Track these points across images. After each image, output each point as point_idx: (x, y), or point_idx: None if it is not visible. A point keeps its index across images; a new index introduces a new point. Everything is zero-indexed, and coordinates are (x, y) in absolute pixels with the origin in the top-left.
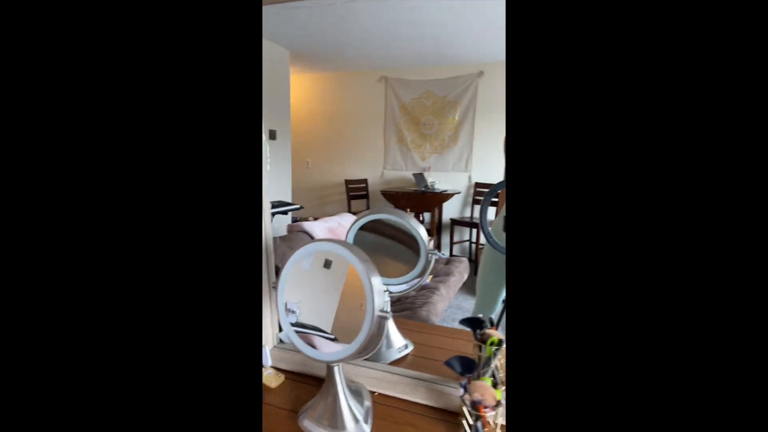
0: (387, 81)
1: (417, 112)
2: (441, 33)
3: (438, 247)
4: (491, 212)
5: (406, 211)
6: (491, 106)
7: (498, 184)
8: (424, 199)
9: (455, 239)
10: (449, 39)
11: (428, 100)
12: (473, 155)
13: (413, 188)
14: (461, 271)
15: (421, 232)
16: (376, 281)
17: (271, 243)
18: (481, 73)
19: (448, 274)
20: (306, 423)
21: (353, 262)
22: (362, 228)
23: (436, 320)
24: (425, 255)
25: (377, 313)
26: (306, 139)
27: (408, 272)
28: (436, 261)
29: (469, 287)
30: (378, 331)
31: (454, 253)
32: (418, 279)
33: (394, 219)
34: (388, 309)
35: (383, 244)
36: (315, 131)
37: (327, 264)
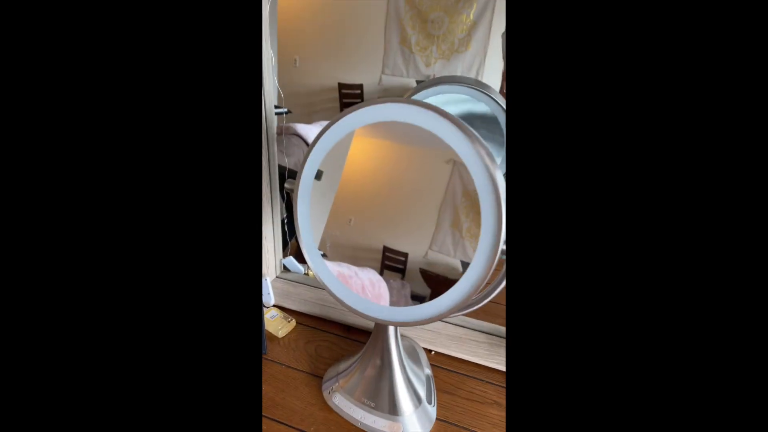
0: None
1: (426, 5)
2: None
3: None
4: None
5: None
6: None
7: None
8: None
9: None
10: None
11: None
12: (485, 64)
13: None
14: None
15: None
16: (502, 181)
17: (273, 131)
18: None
19: None
20: (338, 399)
21: (458, 143)
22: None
23: None
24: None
25: (502, 246)
26: (293, 31)
27: None
28: None
29: None
30: (496, 279)
31: None
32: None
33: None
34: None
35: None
36: (305, 22)
37: (318, 175)
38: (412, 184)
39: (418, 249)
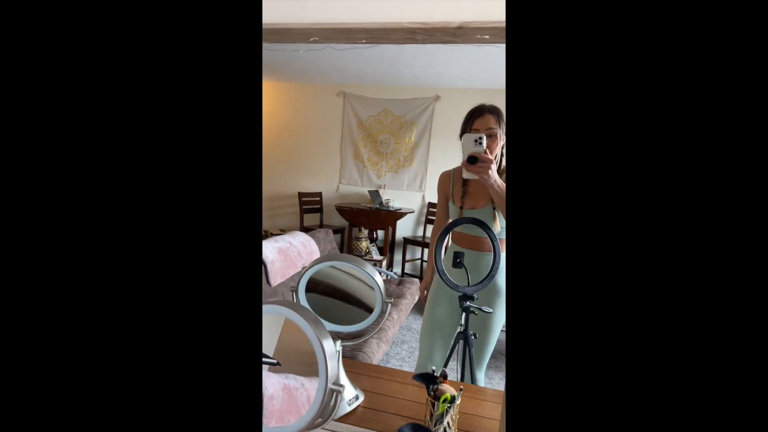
0: (345, 96)
1: (375, 129)
2: (399, 55)
3: (390, 265)
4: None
5: (360, 229)
6: (446, 129)
7: (452, 222)
8: (378, 217)
9: (407, 257)
10: (408, 61)
11: (386, 118)
12: (428, 176)
13: (368, 205)
14: (413, 292)
15: (378, 279)
16: (329, 345)
17: None
18: (437, 98)
19: (399, 296)
20: None
21: (302, 325)
22: (314, 274)
23: (386, 347)
24: (381, 303)
25: (330, 385)
26: None
27: (363, 319)
28: (389, 281)
29: (420, 307)
30: (330, 406)
31: (406, 270)
32: (374, 326)
33: (350, 266)
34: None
35: (336, 289)
36: (268, 139)
37: None
38: (312, 124)
39: (329, 186)
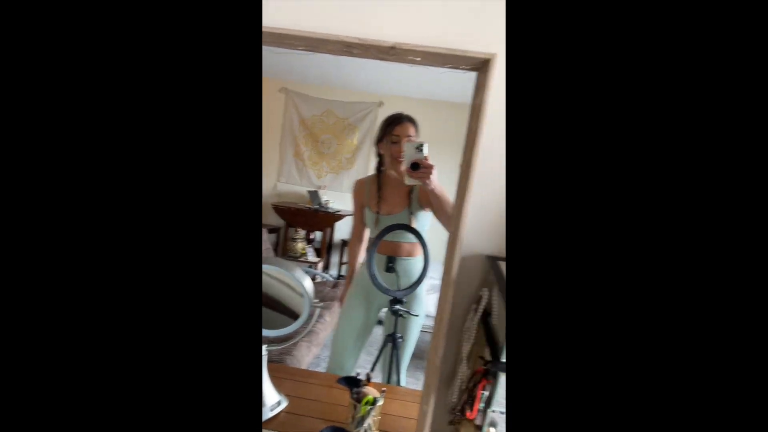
0: (288, 93)
1: (317, 129)
2: (345, 58)
3: (327, 267)
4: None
5: (296, 230)
6: None
7: (386, 228)
8: (316, 218)
9: (344, 260)
10: (353, 65)
11: (329, 119)
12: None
13: (307, 205)
14: None
15: (306, 284)
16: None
17: None
18: (381, 103)
19: (333, 298)
20: None
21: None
22: None
23: (317, 350)
24: (309, 306)
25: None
26: None
27: (291, 323)
28: (324, 284)
29: None
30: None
31: (342, 273)
32: (303, 329)
33: (277, 270)
34: None
35: (265, 294)
36: None
37: None
38: None
39: (266, 183)
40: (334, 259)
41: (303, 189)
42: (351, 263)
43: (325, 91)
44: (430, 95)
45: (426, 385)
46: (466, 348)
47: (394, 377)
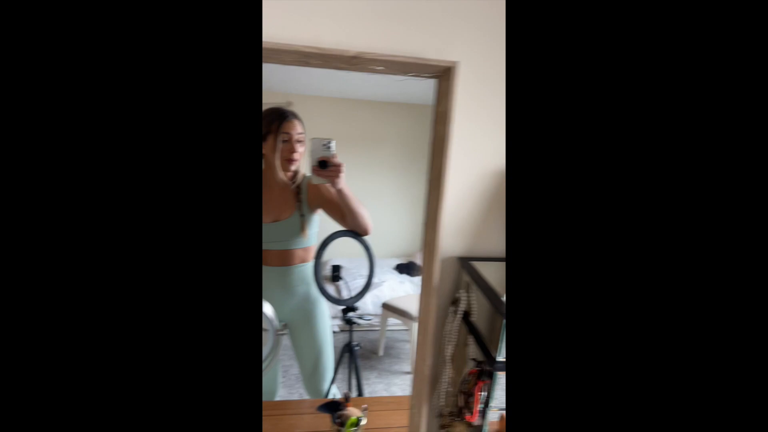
0: None
1: None
2: None
3: None
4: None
5: None
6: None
7: (329, 236)
8: None
9: None
10: None
11: None
12: None
13: None
14: None
15: (268, 311)
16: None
17: None
18: (290, 103)
19: None
20: None
21: None
22: None
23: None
24: (273, 335)
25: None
26: None
27: None
28: None
29: None
30: None
31: None
32: (268, 360)
33: None
34: None
35: None
36: None
37: None
38: None
39: None
40: None
41: None
42: None
43: None
44: (342, 94)
45: (415, 394)
46: (449, 350)
47: (354, 386)
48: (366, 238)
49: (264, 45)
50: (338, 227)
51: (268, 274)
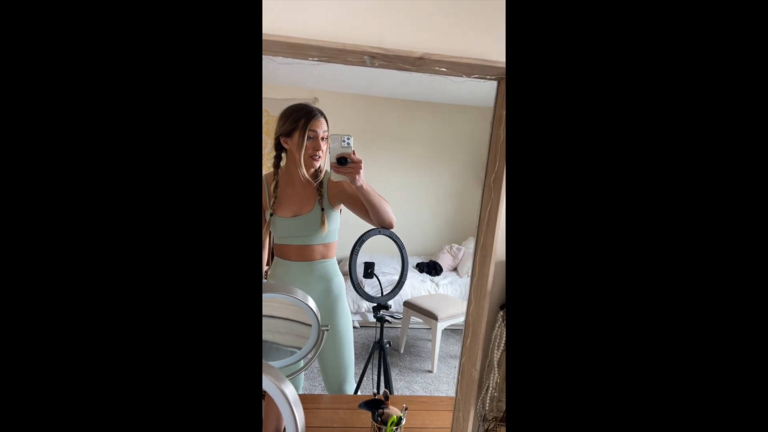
0: None
1: None
2: None
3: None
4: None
5: None
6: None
7: (365, 233)
8: None
9: None
10: (284, 60)
11: (262, 118)
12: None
13: None
14: None
15: (311, 305)
16: (290, 391)
17: None
18: (315, 99)
19: None
20: None
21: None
22: None
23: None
24: (317, 330)
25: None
26: None
27: (297, 349)
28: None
29: None
30: None
31: None
32: (311, 354)
33: (281, 296)
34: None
35: (274, 324)
36: None
37: None
38: None
39: None
40: None
41: None
42: None
43: None
44: (365, 90)
45: (463, 398)
46: (497, 355)
47: (382, 383)
48: (387, 237)
49: (328, 45)
50: (367, 225)
51: (290, 268)
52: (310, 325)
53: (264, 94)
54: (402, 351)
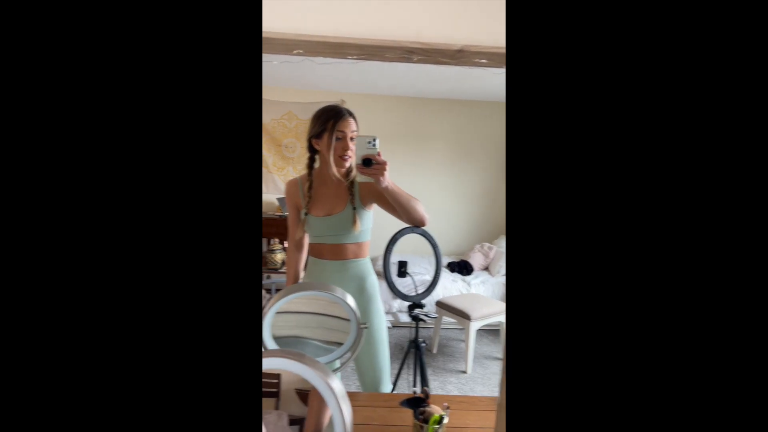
0: None
1: (278, 133)
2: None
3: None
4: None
5: (274, 241)
6: None
7: (398, 232)
8: (286, 225)
9: None
10: (311, 63)
11: (290, 121)
12: None
13: (277, 213)
14: None
15: (351, 302)
16: (337, 385)
17: None
18: (342, 101)
19: None
20: None
21: (307, 375)
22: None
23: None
24: (356, 326)
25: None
26: None
27: (336, 346)
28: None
29: None
30: None
31: None
32: (351, 351)
33: (321, 294)
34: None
35: (304, 320)
36: None
37: None
38: None
39: None
40: None
41: (271, 197)
42: (290, 274)
43: (284, 93)
44: (391, 91)
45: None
46: None
47: (419, 382)
48: (419, 235)
49: (366, 42)
50: (401, 224)
51: (323, 267)
52: (346, 320)
53: (292, 98)
54: (435, 351)
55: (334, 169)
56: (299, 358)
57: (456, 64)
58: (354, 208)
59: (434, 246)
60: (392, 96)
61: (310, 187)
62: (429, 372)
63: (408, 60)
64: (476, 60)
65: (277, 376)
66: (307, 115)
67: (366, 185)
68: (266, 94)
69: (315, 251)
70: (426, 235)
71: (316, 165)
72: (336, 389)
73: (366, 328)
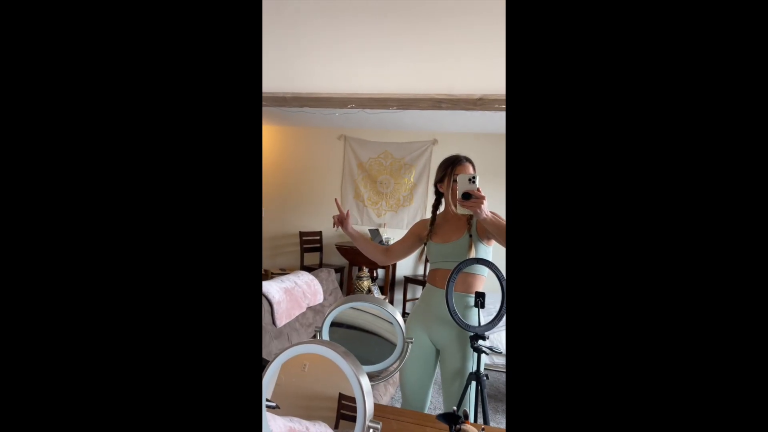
0: (346, 139)
1: (374, 170)
2: None
3: (391, 303)
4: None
5: (362, 268)
6: None
7: (462, 262)
8: None
9: (408, 296)
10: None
11: (386, 160)
12: (427, 214)
13: None
14: None
15: (398, 317)
16: (365, 382)
17: None
18: (435, 141)
19: None
20: None
21: (339, 362)
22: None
23: (393, 390)
24: (402, 342)
25: (368, 423)
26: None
27: (385, 357)
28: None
29: None
30: None
31: (407, 310)
32: (396, 365)
33: (369, 306)
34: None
35: (354, 334)
36: (270, 180)
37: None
38: (313, 166)
39: (329, 225)
40: (398, 296)
41: (364, 228)
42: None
43: (381, 134)
44: (480, 128)
45: None
46: None
47: (480, 416)
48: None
49: (403, 96)
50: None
51: (433, 293)
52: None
53: (389, 139)
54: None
55: (452, 208)
56: (334, 347)
57: (478, 110)
58: (470, 236)
59: (500, 279)
60: (479, 133)
61: (433, 221)
62: (498, 415)
63: (438, 108)
64: (496, 106)
65: (319, 233)
66: (401, 154)
67: None
68: (364, 135)
69: (431, 278)
70: (493, 267)
71: (441, 207)
72: (363, 385)
73: (411, 343)
